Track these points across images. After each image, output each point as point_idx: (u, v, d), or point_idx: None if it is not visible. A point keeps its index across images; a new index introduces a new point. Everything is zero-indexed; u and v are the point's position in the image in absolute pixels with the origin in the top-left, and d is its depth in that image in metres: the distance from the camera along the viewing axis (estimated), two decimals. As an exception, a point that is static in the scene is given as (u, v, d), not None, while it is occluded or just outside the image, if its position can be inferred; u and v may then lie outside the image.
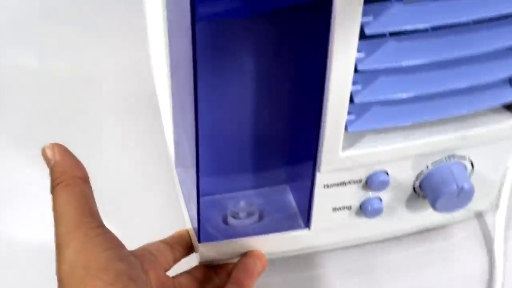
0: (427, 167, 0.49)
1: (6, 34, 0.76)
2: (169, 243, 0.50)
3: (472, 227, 0.60)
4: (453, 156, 0.48)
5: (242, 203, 0.50)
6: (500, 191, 0.56)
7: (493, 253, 0.56)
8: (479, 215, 0.60)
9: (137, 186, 0.63)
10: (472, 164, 0.50)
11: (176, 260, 0.50)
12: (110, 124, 0.68)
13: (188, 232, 0.52)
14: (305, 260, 0.57)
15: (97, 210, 0.43)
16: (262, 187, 0.51)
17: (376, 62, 0.40)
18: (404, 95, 0.42)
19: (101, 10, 0.78)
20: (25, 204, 0.61)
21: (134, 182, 0.63)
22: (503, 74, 0.44)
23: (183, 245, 0.51)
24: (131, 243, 0.48)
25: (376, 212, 0.50)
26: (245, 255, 0.51)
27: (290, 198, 0.52)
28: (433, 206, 0.49)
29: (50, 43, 0.76)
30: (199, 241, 0.49)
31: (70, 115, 0.69)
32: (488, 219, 0.60)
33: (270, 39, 0.41)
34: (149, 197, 0.61)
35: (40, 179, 0.61)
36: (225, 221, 0.51)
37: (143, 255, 0.46)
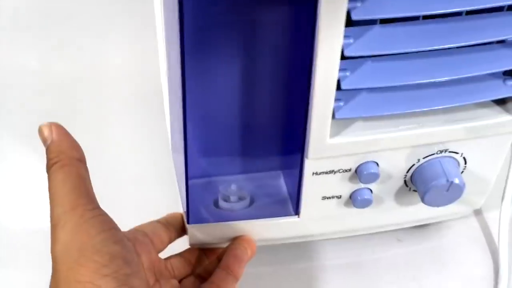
0: (418, 160, 0.48)
1: (6, 34, 0.77)
2: (164, 223, 0.51)
3: (471, 224, 0.60)
4: (445, 150, 0.48)
5: (233, 187, 0.51)
6: (505, 186, 0.55)
7: (498, 251, 0.56)
8: (478, 212, 0.60)
9: (139, 176, 0.63)
10: (465, 160, 0.50)
11: (171, 240, 0.51)
12: (113, 122, 0.69)
13: (181, 214, 0.52)
14: (296, 252, 0.57)
15: (93, 192, 0.43)
16: (255, 172, 0.52)
17: (362, 48, 0.40)
18: (391, 83, 0.42)
19: (102, 9, 0.79)
20: (25, 203, 0.61)
21: (137, 173, 0.64)
22: (494, 67, 0.43)
23: (177, 226, 0.51)
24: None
25: (366, 203, 0.50)
26: (234, 240, 0.51)
27: (283, 184, 0.52)
28: (422, 199, 0.48)
29: (51, 42, 0.76)
30: (188, 222, 0.50)
31: (71, 114, 0.69)
32: (487, 215, 0.60)
33: (257, 24, 0.41)
34: (151, 187, 0.62)
35: (40, 179, 0.62)
36: (216, 204, 0.51)
37: (136, 237, 0.47)
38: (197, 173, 0.50)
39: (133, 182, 0.63)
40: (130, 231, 0.48)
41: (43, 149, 0.64)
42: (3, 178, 0.64)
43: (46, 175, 0.59)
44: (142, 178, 0.63)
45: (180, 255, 0.51)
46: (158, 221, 0.51)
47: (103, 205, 0.58)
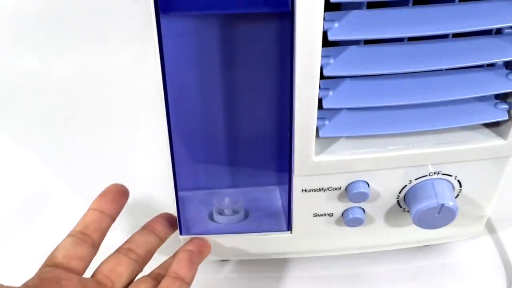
0: (411, 181, 0.48)
1: (7, 34, 0.78)
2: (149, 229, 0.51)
3: (481, 242, 0.59)
4: (438, 172, 0.47)
5: (227, 201, 0.51)
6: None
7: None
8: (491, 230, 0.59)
9: (139, 177, 0.64)
10: (460, 183, 0.49)
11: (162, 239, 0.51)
12: (113, 122, 0.70)
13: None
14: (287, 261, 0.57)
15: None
16: (250, 187, 0.52)
17: (342, 68, 0.40)
18: (374, 104, 0.42)
19: (102, 9, 0.79)
20: (25, 203, 0.62)
21: (136, 173, 0.65)
22: (483, 91, 0.42)
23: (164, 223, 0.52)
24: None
25: (357, 222, 0.49)
26: (184, 244, 0.50)
27: (278, 199, 0.52)
28: (413, 220, 0.48)
29: (51, 42, 0.77)
30: (180, 233, 0.51)
31: (71, 114, 0.70)
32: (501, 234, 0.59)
33: (238, 40, 0.42)
34: (150, 187, 0.63)
35: (40, 179, 0.63)
36: (211, 217, 0.52)
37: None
38: (190, 185, 0.50)
39: (133, 182, 0.62)
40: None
41: (42, 149, 0.65)
42: (3, 178, 0.65)
43: (45, 174, 0.61)
44: (141, 178, 0.64)
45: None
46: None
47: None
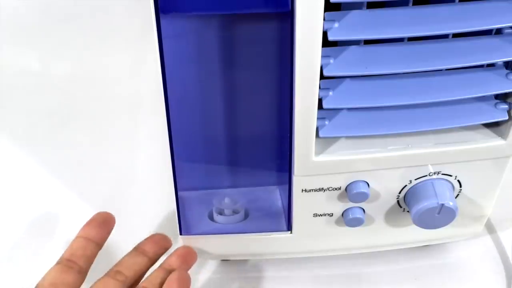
0: (410, 181, 0.48)
1: (7, 34, 0.78)
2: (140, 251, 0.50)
3: (480, 241, 0.59)
4: (438, 172, 0.48)
5: (227, 200, 0.51)
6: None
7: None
8: (491, 230, 0.59)
9: (139, 177, 0.64)
10: (460, 183, 0.49)
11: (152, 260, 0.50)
12: (113, 122, 0.70)
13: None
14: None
15: None
16: (250, 187, 0.52)
17: (342, 68, 0.40)
18: (374, 104, 0.42)
19: (102, 9, 0.79)
20: (25, 204, 0.62)
21: (136, 173, 0.64)
22: (483, 91, 0.42)
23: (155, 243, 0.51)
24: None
25: (357, 222, 0.49)
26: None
27: (278, 199, 0.52)
28: (413, 220, 0.48)
29: (51, 42, 0.77)
30: (180, 233, 0.51)
31: (72, 114, 0.70)
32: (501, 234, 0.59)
33: (238, 40, 0.42)
34: (150, 187, 0.63)
35: (40, 178, 0.63)
36: (212, 217, 0.52)
37: None
38: (190, 185, 0.50)
39: (133, 182, 0.64)
40: None
41: (42, 149, 0.66)
42: (2, 178, 0.65)
43: (45, 175, 0.61)
44: (141, 178, 0.64)
45: None
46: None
47: (102, 205, 0.60)
